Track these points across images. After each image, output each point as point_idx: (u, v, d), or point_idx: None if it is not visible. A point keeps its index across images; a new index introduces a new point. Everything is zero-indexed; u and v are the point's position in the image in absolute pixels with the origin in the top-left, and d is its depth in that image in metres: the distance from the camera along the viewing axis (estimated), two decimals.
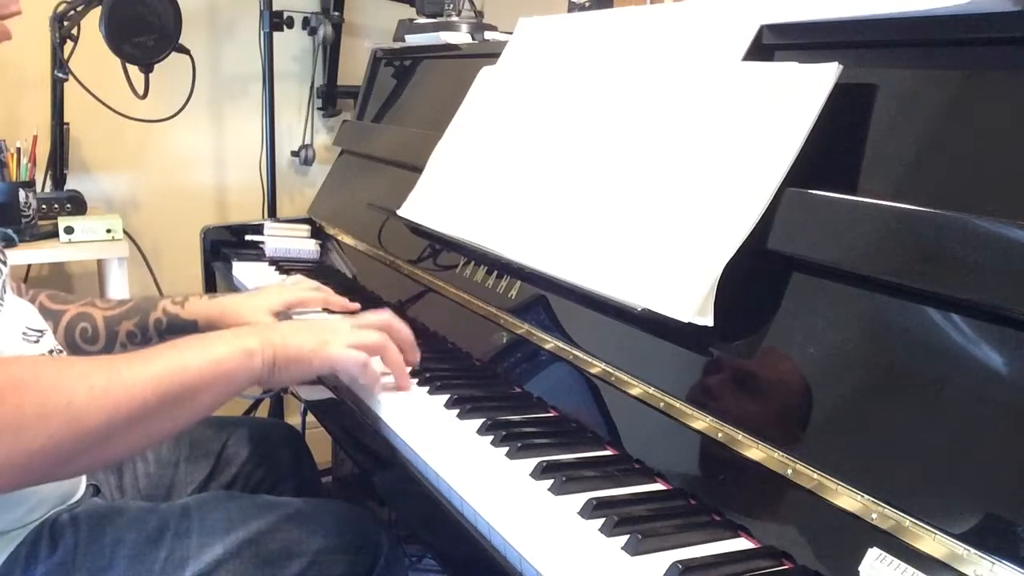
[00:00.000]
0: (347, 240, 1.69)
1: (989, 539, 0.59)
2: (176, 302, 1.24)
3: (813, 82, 0.83)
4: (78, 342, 1.19)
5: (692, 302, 0.83)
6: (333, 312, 1.33)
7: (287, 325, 0.98)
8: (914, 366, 0.70)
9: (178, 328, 1.23)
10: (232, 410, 2.18)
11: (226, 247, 1.80)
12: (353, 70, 2.39)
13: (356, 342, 0.96)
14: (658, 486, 0.83)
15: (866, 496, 0.66)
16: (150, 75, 1.92)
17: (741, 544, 0.73)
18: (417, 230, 1.39)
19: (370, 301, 1.46)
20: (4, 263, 0.98)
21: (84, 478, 1.08)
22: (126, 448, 0.84)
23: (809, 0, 0.90)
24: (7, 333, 0.95)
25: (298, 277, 1.42)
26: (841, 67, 0.82)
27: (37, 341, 1.00)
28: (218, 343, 0.89)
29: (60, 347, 1.06)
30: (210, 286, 1.83)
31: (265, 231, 1.78)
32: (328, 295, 1.33)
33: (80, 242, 1.89)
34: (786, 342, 0.79)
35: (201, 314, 1.24)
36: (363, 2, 2.45)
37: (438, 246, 1.36)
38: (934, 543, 0.61)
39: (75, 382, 0.77)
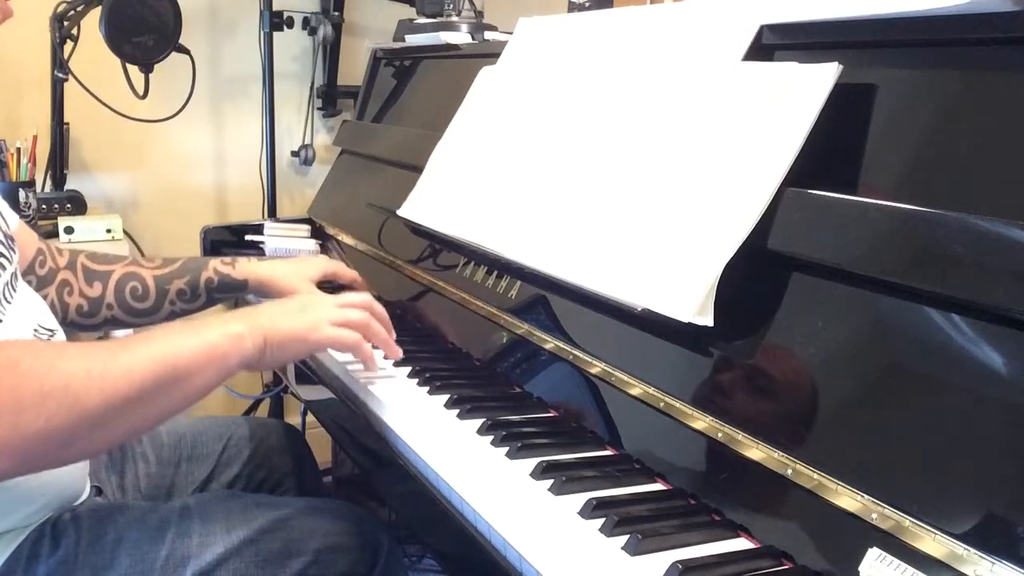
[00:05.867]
0: (347, 240, 1.69)
1: (989, 539, 0.59)
2: (226, 263, 1.31)
3: (813, 82, 0.83)
4: (129, 300, 1.24)
5: (692, 302, 0.83)
6: (357, 290, 1.40)
7: (272, 308, 1.00)
8: (914, 366, 0.70)
9: (229, 287, 1.30)
10: (232, 410, 2.18)
11: (226, 247, 1.80)
12: (353, 70, 2.39)
13: (342, 319, 1.00)
14: (658, 486, 0.83)
15: (866, 496, 0.66)
16: (150, 75, 1.92)
17: (741, 544, 0.73)
18: (417, 230, 1.39)
19: None
20: (9, 260, 0.98)
21: (88, 480, 1.08)
22: (123, 431, 0.85)
23: (809, 0, 0.90)
24: (18, 330, 0.96)
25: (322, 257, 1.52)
26: (841, 67, 0.82)
27: (48, 341, 1.01)
28: (209, 328, 0.91)
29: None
30: None
31: (265, 231, 1.78)
32: (355, 274, 1.43)
33: (80, 242, 1.89)
34: (786, 342, 0.79)
35: (251, 274, 1.31)
36: (363, 2, 2.45)
37: (438, 246, 1.36)
38: (934, 543, 0.61)
39: (73, 364, 0.78)
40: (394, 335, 1.09)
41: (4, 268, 0.96)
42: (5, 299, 0.95)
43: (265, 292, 1.34)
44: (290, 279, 1.31)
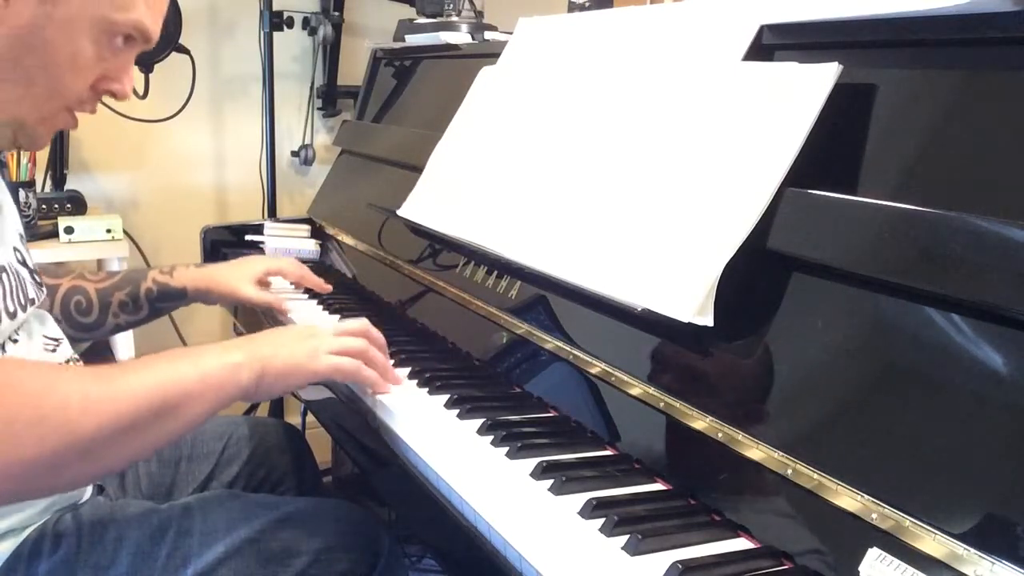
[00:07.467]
0: (347, 240, 1.69)
1: (989, 539, 0.59)
2: (164, 272, 1.30)
3: (813, 82, 0.83)
4: (73, 314, 1.23)
5: (692, 302, 0.83)
6: (308, 287, 1.46)
7: (273, 337, 0.98)
8: (914, 366, 0.70)
9: (168, 296, 1.29)
10: (232, 410, 2.17)
11: (226, 247, 1.80)
12: (353, 70, 2.39)
13: (340, 347, 0.98)
14: (658, 486, 0.83)
15: (866, 496, 0.66)
16: (150, 75, 1.92)
17: (741, 544, 0.73)
18: (417, 230, 1.39)
19: (370, 301, 1.46)
20: (40, 294, 0.99)
21: None
22: (118, 458, 0.84)
23: (809, 0, 0.91)
24: (30, 348, 0.97)
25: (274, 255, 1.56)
26: (841, 67, 0.82)
27: (54, 350, 1.02)
28: (207, 357, 0.89)
29: (76, 356, 1.07)
30: None
31: (265, 231, 1.78)
32: (304, 271, 1.44)
33: (80, 242, 1.89)
34: (786, 342, 0.79)
35: (189, 281, 1.30)
36: (363, 2, 2.45)
37: (438, 246, 1.36)
38: (934, 543, 0.61)
39: (69, 388, 0.77)
40: (391, 361, 1.07)
41: (33, 303, 0.97)
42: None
43: (207, 298, 1.33)
44: (230, 282, 1.31)
